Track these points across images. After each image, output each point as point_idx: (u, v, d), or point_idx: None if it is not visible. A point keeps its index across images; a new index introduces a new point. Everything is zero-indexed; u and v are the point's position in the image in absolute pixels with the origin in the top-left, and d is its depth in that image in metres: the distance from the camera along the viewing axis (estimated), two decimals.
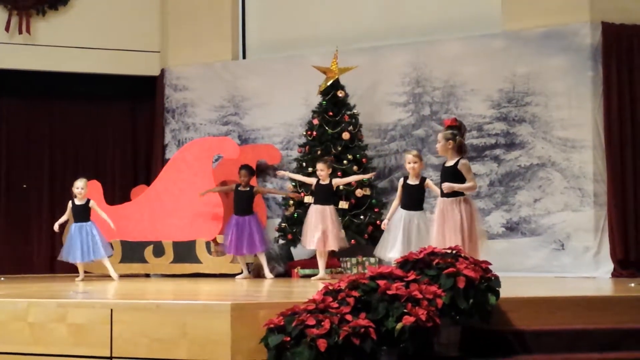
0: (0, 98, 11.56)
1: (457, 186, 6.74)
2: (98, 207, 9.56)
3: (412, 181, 7.84)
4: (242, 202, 9.70)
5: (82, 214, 9.45)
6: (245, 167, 9.79)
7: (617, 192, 9.36)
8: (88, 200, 9.48)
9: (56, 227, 9.60)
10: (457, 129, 6.90)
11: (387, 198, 10.15)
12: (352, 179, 9.32)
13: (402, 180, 7.97)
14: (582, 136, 9.52)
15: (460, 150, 6.85)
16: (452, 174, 6.79)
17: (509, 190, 9.81)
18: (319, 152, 9.94)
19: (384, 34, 10.73)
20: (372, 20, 10.89)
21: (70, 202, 9.53)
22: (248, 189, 9.71)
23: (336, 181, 9.17)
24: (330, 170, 9.11)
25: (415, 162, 7.83)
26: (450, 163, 6.86)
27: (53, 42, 11.39)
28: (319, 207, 9.03)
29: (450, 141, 6.81)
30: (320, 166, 9.09)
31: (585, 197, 9.45)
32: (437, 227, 6.83)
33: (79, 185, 9.46)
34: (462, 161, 6.79)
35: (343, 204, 9.64)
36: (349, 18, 11.01)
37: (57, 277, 10.54)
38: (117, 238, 10.09)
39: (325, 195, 9.08)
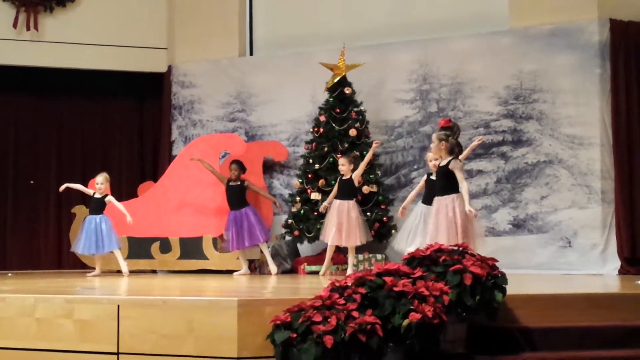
0: (7, 94, 11.56)
1: (467, 204, 6.83)
2: (116, 201, 9.58)
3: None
4: (234, 197, 9.75)
5: (97, 207, 9.53)
6: (236, 161, 9.82)
7: (624, 189, 9.34)
8: (105, 196, 9.53)
9: (62, 188, 9.71)
10: (450, 129, 7.14)
11: (394, 195, 10.16)
12: (363, 164, 8.89)
13: (426, 176, 8.27)
14: (589, 133, 9.50)
15: (453, 150, 7.05)
16: (445, 174, 7.01)
17: (516, 187, 9.79)
18: (325, 149, 9.94)
19: (391, 31, 10.71)
20: (379, 17, 10.88)
21: (93, 192, 9.64)
22: (239, 183, 9.74)
23: (355, 175, 8.89)
24: (352, 166, 8.95)
25: (436, 159, 7.85)
26: (443, 163, 7.07)
27: (60, 39, 11.40)
28: (338, 202, 8.94)
29: (443, 142, 7.03)
30: (341, 161, 9.01)
31: (592, 194, 9.43)
32: (433, 224, 7.00)
33: (98, 181, 9.56)
34: (454, 160, 7.00)
35: None
36: (356, 15, 11.00)
37: (64, 273, 10.57)
38: (124, 234, 10.10)
39: (347, 190, 8.92)
